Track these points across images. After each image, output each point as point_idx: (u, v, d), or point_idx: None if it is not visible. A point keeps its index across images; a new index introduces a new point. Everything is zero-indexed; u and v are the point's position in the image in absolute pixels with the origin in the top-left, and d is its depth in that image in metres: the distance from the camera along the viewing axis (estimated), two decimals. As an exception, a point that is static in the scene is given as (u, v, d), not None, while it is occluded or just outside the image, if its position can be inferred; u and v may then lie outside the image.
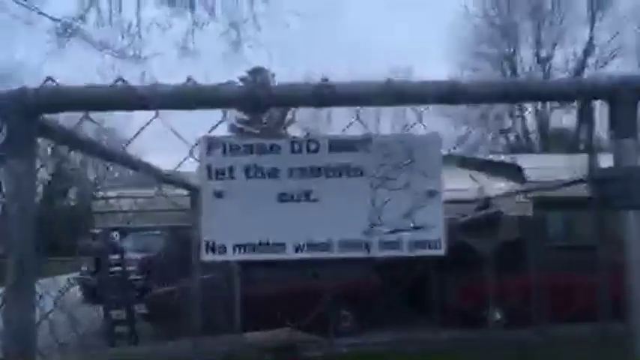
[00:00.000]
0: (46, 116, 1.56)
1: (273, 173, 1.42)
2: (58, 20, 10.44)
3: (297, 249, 1.41)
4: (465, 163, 12.00)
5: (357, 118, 1.50)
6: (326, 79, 1.47)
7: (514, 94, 1.44)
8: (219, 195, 1.41)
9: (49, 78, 1.46)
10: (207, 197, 1.41)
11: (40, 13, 10.67)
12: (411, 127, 1.51)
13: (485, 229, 8.13)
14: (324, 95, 1.47)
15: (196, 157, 1.45)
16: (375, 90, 1.48)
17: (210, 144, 1.42)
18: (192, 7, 10.82)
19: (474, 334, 9.01)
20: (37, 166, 1.50)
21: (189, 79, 1.46)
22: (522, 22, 29.77)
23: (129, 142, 1.62)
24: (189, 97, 1.46)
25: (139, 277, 12.13)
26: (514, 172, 10.38)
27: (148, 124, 1.46)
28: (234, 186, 1.41)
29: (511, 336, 8.74)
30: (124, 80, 1.44)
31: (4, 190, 1.43)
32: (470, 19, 29.99)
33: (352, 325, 10.37)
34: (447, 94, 1.46)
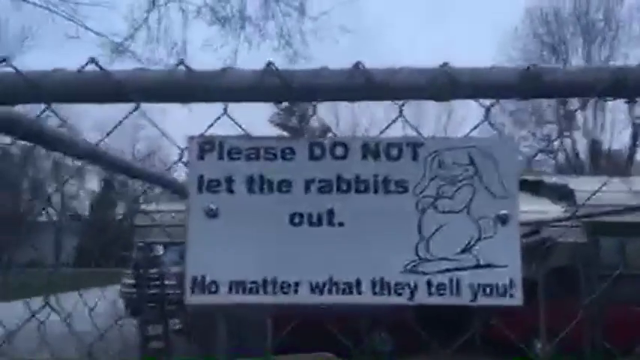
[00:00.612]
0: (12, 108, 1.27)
1: (285, 187, 1.06)
2: (104, 36, 10.60)
3: (315, 290, 1.04)
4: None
5: (401, 114, 1.12)
6: (359, 63, 1.10)
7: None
8: (212, 214, 1.05)
9: (2, 60, 1.14)
10: (197, 217, 1.05)
11: (87, 28, 10.81)
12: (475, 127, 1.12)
13: (535, 256, 7.58)
14: (359, 85, 1.12)
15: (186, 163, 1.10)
16: (422, 79, 1.11)
17: (202, 146, 1.07)
18: (242, 27, 10.95)
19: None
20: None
21: (181, 62, 1.12)
22: (572, 40, 28.89)
23: (102, 140, 1.29)
24: (182, 86, 1.12)
25: (177, 292, 12.07)
26: (565, 194, 9.78)
27: (125, 117, 1.13)
28: (232, 203, 1.05)
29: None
30: (97, 64, 1.11)
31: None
32: (519, 38, 29.30)
33: (392, 349, 9.90)
34: (523, 84, 1.08)
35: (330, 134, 30.59)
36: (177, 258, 14.35)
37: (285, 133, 31.39)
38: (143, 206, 10.83)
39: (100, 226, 33.67)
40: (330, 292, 1.03)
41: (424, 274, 1.03)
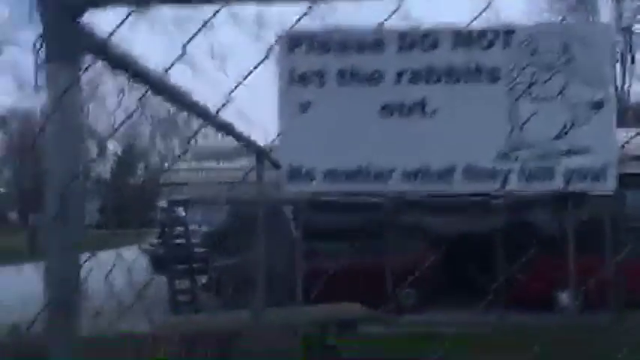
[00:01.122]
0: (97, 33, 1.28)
1: (376, 78, 1.06)
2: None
3: (407, 178, 1.05)
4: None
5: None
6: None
7: None
8: (304, 107, 1.07)
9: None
10: (290, 110, 1.07)
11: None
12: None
13: (564, 205, 7.54)
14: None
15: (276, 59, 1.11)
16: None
17: (293, 41, 1.07)
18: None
19: (543, 317, 8.49)
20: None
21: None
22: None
23: (174, 63, 1.28)
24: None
25: (201, 250, 12.35)
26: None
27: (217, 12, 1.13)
28: (323, 95, 1.07)
29: (585, 321, 8.18)
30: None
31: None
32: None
33: (415, 303, 10.01)
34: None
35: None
36: (199, 218, 14.58)
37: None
38: (167, 164, 10.96)
39: (122, 189, 34.20)
40: (422, 180, 1.05)
41: (517, 160, 1.04)
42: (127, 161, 36.00)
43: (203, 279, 11.04)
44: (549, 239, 8.47)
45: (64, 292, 1.09)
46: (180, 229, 11.05)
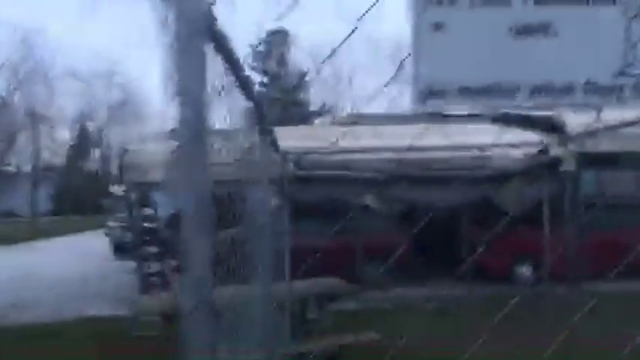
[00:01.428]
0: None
1: (505, 1, 1.15)
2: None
3: (533, 93, 1.15)
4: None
5: None
6: None
7: None
8: (437, 27, 1.14)
9: None
10: (423, 30, 1.14)
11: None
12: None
13: (538, 177, 7.83)
14: None
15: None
16: None
17: (427, -36, 1.15)
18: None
19: (504, 289, 8.79)
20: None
21: None
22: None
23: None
24: None
25: (170, 232, 12.23)
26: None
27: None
28: (456, 17, 1.15)
29: (543, 292, 8.54)
30: None
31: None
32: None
33: (384, 280, 10.23)
34: None
35: (307, 79, 30.02)
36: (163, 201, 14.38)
37: (263, 77, 30.89)
38: (131, 147, 10.74)
39: (76, 176, 33.40)
40: (547, 94, 1.15)
41: (632, 76, 1.16)
42: (80, 147, 35.06)
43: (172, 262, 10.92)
44: (512, 215, 8.74)
45: (198, 205, 1.11)
46: (149, 211, 10.87)
